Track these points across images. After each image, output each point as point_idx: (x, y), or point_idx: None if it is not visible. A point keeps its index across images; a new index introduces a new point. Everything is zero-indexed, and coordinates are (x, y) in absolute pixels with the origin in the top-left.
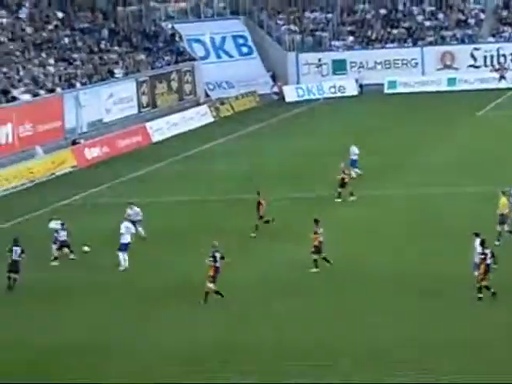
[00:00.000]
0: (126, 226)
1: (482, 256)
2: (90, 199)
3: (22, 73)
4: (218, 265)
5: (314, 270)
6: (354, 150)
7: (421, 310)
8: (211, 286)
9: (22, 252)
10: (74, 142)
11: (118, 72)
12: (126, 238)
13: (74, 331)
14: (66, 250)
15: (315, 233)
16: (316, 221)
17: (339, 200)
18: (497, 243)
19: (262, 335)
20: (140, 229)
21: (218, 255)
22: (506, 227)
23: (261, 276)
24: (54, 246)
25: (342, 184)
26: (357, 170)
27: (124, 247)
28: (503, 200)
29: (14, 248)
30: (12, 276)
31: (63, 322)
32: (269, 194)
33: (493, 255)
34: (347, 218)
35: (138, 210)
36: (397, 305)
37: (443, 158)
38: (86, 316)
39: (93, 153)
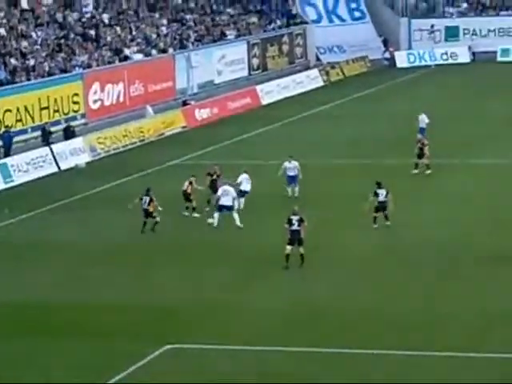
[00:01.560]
0: (223, 189)
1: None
2: (198, 160)
3: (134, 32)
4: (293, 228)
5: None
6: (424, 118)
7: None
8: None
9: (151, 200)
10: (184, 103)
11: (230, 34)
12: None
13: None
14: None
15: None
16: (378, 183)
17: (416, 171)
18: None
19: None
20: (296, 188)
21: (294, 218)
22: None
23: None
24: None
25: (419, 155)
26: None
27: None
28: None
29: (144, 197)
30: (146, 220)
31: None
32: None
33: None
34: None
35: (296, 164)
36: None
37: None
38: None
39: (203, 114)
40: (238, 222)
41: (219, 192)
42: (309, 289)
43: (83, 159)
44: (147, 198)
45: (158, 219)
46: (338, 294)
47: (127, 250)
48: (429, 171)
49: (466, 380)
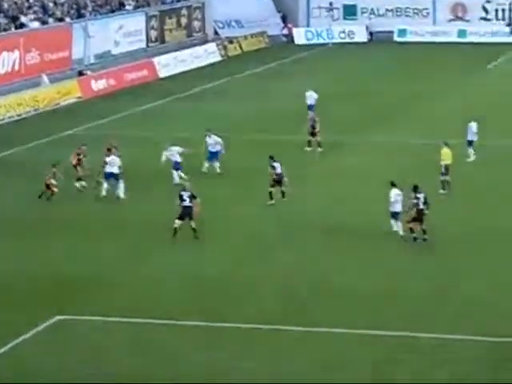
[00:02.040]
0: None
1: (415, 201)
2: (92, 131)
3: (31, 0)
4: (184, 204)
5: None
6: (312, 94)
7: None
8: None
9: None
10: (80, 73)
11: (128, 4)
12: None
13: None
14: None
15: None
16: (271, 157)
17: (309, 149)
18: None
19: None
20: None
21: (185, 195)
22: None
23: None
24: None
25: (313, 133)
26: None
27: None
28: (445, 151)
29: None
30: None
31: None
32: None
33: (426, 201)
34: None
35: (218, 139)
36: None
37: (446, 110)
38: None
39: (99, 85)
40: (121, 193)
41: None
42: (197, 262)
43: None
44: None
45: (55, 190)
46: (224, 267)
47: (20, 219)
48: (320, 149)
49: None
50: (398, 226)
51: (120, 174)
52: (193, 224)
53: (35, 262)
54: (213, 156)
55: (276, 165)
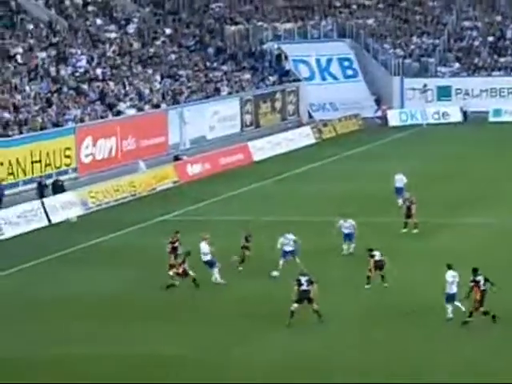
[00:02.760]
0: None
1: (471, 284)
2: (189, 215)
3: (128, 87)
4: (302, 288)
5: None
6: (402, 178)
7: None
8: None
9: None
10: (176, 158)
11: (223, 90)
12: None
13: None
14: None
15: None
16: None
17: (404, 230)
18: None
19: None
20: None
21: (303, 279)
22: None
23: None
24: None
25: (408, 214)
26: (400, 200)
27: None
28: None
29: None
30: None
31: None
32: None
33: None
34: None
35: (352, 222)
36: None
37: None
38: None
39: (194, 169)
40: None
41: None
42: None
43: (74, 213)
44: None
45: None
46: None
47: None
48: (416, 230)
49: None
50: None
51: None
52: (315, 306)
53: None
54: (347, 237)
55: (376, 253)
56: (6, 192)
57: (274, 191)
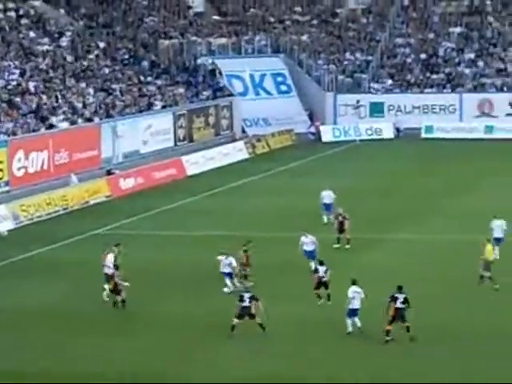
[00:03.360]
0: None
1: (389, 299)
2: (121, 230)
3: (60, 101)
4: (243, 305)
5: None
6: (330, 193)
7: None
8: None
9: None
10: (108, 172)
11: (157, 104)
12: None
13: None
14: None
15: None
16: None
17: (337, 246)
18: None
19: None
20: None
21: (245, 295)
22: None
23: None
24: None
25: (341, 229)
26: (331, 216)
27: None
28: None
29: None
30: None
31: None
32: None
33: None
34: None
35: (313, 238)
36: None
37: (471, 207)
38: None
39: (127, 183)
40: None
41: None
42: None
43: (5, 227)
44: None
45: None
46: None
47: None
48: (348, 246)
49: None
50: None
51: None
52: (258, 320)
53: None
54: (309, 254)
55: (321, 268)
56: None
57: (208, 206)
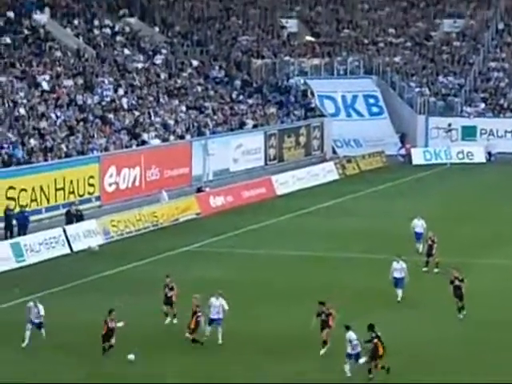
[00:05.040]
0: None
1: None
2: (210, 248)
3: (153, 117)
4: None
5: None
6: (422, 222)
7: None
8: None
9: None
10: (199, 190)
11: (248, 123)
12: None
13: None
14: None
15: None
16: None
17: (425, 269)
18: None
19: None
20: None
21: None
22: None
23: None
24: None
25: (430, 253)
26: (420, 245)
27: None
28: None
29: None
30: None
31: None
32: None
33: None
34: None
35: (404, 265)
36: None
37: None
38: None
39: (217, 201)
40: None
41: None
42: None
43: (96, 242)
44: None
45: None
46: None
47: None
48: (437, 269)
49: None
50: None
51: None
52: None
53: None
54: (398, 282)
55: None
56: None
57: (296, 225)
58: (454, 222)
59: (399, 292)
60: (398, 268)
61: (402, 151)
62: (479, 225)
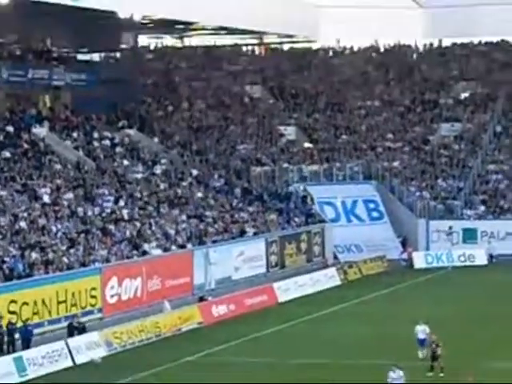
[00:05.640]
0: None
1: None
2: (214, 357)
3: (154, 227)
4: None
5: None
6: (425, 328)
7: None
8: None
9: None
10: (201, 299)
11: (249, 231)
12: None
13: None
14: None
15: None
16: None
17: (430, 374)
18: None
19: None
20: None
21: None
22: None
23: None
24: None
25: (434, 357)
26: (424, 350)
27: None
28: None
29: None
30: None
31: None
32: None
33: None
34: None
35: (401, 373)
36: None
37: None
38: None
39: (219, 310)
40: None
41: None
42: None
43: (99, 354)
44: None
45: None
46: None
47: None
48: (442, 374)
49: None
50: None
51: None
52: None
53: None
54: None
55: None
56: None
57: (299, 333)
58: (457, 325)
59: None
60: (395, 377)
61: (404, 255)
62: (484, 328)
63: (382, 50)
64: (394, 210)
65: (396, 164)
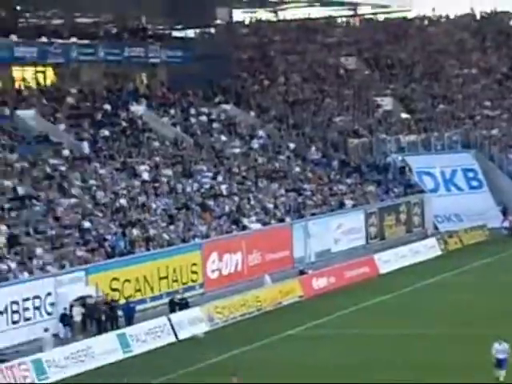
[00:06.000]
0: None
1: None
2: (315, 330)
3: (253, 202)
4: None
5: None
6: (506, 347)
7: None
8: None
9: None
10: (301, 272)
11: (348, 203)
12: None
13: None
14: None
15: None
16: None
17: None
18: None
19: None
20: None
21: None
22: None
23: None
24: None
25: None
26: (503, 372)
27: None
28: None
29: None
30: None
31: None
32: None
33: None
34: None
35: (506, 346)
36: None
37: None
38: None
39: (320, 283)
40: None
41: None
42: None
43: (201, 329)
44: None
45: None
46: None
47: None
48: None
49: None
50: None
51: None
52: None
53: None
54: (500, 363)
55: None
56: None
57: (402, 304)
58: None
59: (502, 372)
60: (501, 349)
61: (506, 224)
62: None
63: (478, 17)
64: (494, 179)
65: (495, 132)
